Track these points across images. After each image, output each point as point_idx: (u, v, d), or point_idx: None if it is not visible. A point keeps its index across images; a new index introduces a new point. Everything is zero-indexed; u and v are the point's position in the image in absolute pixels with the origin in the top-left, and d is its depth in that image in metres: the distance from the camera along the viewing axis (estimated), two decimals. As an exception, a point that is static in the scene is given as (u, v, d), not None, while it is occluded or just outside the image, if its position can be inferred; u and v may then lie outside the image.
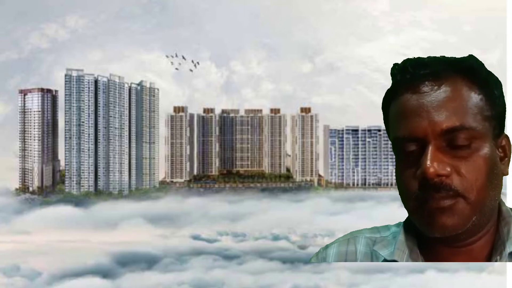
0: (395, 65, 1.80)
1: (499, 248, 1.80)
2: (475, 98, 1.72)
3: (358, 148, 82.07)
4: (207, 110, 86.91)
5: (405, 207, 1.81)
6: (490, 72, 1.77)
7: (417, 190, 1.71)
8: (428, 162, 1.65)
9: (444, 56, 1.77)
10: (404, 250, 1.90)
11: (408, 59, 1.77)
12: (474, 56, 1.76)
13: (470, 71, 1.74)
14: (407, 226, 1.94)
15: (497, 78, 1.78)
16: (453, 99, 1.70)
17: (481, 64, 1.75)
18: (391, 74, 1.81)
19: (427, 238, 1.86)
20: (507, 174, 1.80)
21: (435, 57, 1.76)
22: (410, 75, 1.75)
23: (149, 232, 62.91)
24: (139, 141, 79.27)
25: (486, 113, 1.73)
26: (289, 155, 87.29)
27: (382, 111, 1.89)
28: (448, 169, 1.67)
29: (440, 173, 1.65)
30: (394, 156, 1.80)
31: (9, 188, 73.66)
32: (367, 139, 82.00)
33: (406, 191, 1.76)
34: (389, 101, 1.84)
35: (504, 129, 1.80)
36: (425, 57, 1.76)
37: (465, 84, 1.73)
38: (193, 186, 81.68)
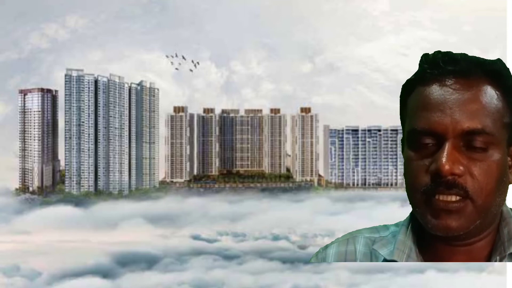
0: (425, 55, 1.78)
1: (499, 248, 1.80)
2: (498, 103, 1.72)
3: (358, 148, 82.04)
4: (207, 110, 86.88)
5: (410, 199, 1.79)
6: None
7: (428, 184, 1.71)
8: (444, 159, 1.65)
9: (475, 56, 1.76)
10: (403, 249, 1.90)
11: (439, 52, 1.76)
12: (502, 60, 1.76)
13: (497, 75, 1.74)
14: (407, 225, 1.94)
15: None
16: (478, 101, 1.70)
17: (508, 70, 1.76)
18: (420, 63, 1.79)
19: (427, 237, 1.86)
20: None
21: (465, 55, 1.76)
22: (440, 69, 1.74)
23: (149, 232, 62.87)
24: (139, 141, 79.24)
25: (505, 120, 1.73)
26: (289, 155, 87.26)
27: (400, 98, 1.87)
28: (462, 168, 1.67)
29: (454, 172, 1.66)
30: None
31: (9, 188, 73.65)
32: (367, 139, 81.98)
33: (414, 183, 1.75)
34: (412, 89, 1.82)
35: None
36: (457, 53, 1.75)
37: (491, 87, 1.73)
38: (193, 186, 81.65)
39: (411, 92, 1.82)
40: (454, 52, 1.77)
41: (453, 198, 1.68)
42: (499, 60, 1.76)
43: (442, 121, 1.69)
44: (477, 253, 1.83)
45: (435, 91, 1.73)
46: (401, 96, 1.88)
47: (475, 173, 1.68)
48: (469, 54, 1.77)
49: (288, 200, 76.69)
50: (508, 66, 1.77)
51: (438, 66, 1.75)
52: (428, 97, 1.74)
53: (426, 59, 1.78)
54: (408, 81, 1.85)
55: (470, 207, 1.69)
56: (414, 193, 1.76)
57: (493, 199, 1.72)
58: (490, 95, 1.72)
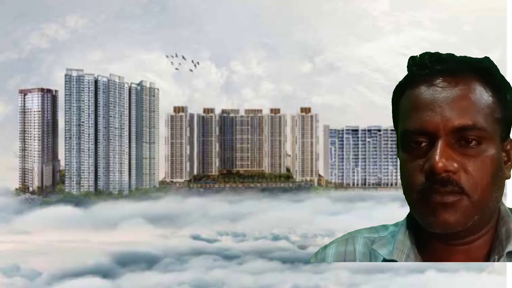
0: (412, 57, 1.81)
1: (497, 247, 1.81)
2: (488, 99, 1.74)
3: (358, 148, 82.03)
4: (207, 110, 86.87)
5: (407, 199, 1.81)
6: (503, 76, 1.79)
7: (423, 183, 1.72)
8: (437, 157, 1.67)
9: (462, 56, 1.78)
10: (403, 249, 1.91)
11: (426, 53, 1.78)
12: (489, 58, 1.78)
13: (486, 73, 1.76)
14: (406, 225, 1.95)
15: (509, 83, 1.81)
16: (467, 98, 1.71)
17: (496, 67, 1.78)
18: (408, 66, 1.82)
19: (425, 236, 1.87)
20: (509, 177, 1.83)
21: (452, 54, 1.78)
22: (427, 69, 1.76)
23: (149, 232, 62.83)
24: (139, 141, 79.24)
25: (496, 116, 1.74)
26: (289, 155, 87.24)
27: (392, 102, 1.90)
28: (456, 165, 1.68)
29: (448, 169, 1.67)
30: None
31: (9, 188, 73.58)
32: (367, 139, 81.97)
33: (410, 183, 1.77)
34: (402, 92, 1.85)
35: (510, 133, 1.83)
36: (443, 53, 1.78)
37: (479, 84, 1.75)
38: (193, 186, 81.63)
39: (402, 95, 1.85)
40: (451, 52, 1.79)
41: (449, 194, 1.69)
42: (486, 58, 1.78)
43: (433, 119, 1.70)
44: (475, 253, 1.83)
45: (424, 91, 1.75)
46: (392, 100, 1.90)
47: (469, 169, 1.69)
48: (467, 55, 1.79)
49: (288, 200, 76.64)
50: (508, 66, 1.79)
51: (425, 67, 1.77)
52: (417, 97, 1.76)
53: (413, 61, 1.80)
54: (398, 85, 1.88)
55: (466, 202, 1.69)
56: (410, 193, 1.78)
57: (489, 194, 1.72)
58: (479, 91, 1.74)
